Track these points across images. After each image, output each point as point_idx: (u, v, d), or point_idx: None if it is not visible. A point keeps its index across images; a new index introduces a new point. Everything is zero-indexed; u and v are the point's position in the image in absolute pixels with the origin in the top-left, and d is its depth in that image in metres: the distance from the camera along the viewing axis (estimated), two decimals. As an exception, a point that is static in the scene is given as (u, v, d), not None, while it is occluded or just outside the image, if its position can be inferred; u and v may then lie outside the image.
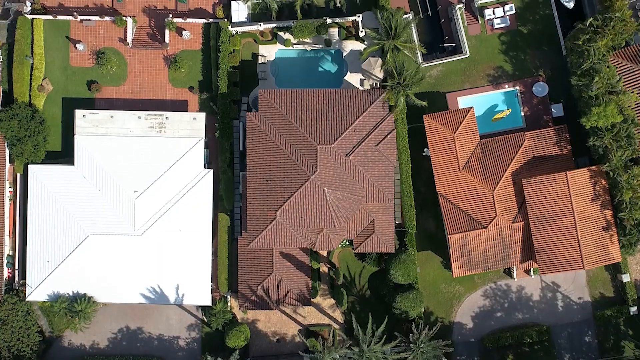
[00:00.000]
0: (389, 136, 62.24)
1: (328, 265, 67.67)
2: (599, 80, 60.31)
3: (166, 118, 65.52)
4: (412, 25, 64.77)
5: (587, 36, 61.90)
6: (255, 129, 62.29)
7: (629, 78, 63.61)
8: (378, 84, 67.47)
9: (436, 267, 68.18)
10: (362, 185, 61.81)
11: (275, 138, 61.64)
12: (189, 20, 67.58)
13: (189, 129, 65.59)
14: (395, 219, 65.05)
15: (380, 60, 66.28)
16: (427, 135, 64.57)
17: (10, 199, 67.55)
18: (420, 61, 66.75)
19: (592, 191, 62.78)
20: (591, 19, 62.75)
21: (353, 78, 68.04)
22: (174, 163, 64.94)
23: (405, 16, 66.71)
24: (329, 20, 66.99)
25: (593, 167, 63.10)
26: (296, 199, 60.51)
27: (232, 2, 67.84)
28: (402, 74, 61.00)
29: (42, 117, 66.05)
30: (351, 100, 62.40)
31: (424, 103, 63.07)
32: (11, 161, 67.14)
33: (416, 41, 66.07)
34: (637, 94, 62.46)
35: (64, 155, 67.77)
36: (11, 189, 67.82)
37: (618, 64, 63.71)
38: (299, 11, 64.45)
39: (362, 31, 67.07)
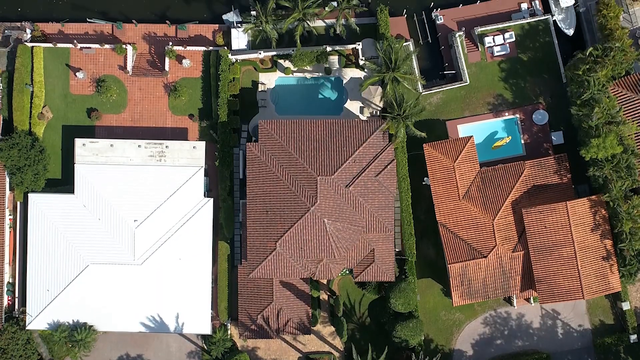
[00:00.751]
0: (389, 167, 62.20)
1: (328, 293, 67.66)
2: (599, 110, 60.30)
3: (166, 147, 65.55)
4: (413, 56, 64.73)
5: (587, 66, 61.95)
6: (255, 160, 62.29)
7: (629, 107, 63.65)
8: (378, 112, 67.51)
9: (436, 294, 68.17)
10: (362, 215, 61.79)
11: (275, 169, 61.62)
12: (189, 48, 67.61)
13: (189, 157, 65.62)
14: (395, 247, 65.05)
15: (380, 89, 66.26)
16: (427, 164, 64.57)
17: (10, 227, 67.53)
18: (421, 90, 66.75)
19: (592, 221, 62.75)
20: (591, 48, 62.80)
21: (353, 105, 68.06)
22: (174, 192, 64.95)
23: (405, 44, 66.85)
24: (328, 48, 67.03)
25: (593, 196, 63.08)
26: (296, 230, 60.48)
27: (232, 29, 67.94)
28: (402, 106, 61.02)
29: (42, 146, 66.07)
30: (351, 130, 62.38)
31: (424, 134, 63.12)
32: (11, 189, 67.15)
33: (417, 71, 66.14)
34: (637, 124, 62.36)
35: (64, 182, 67.77)
36: (11, 217, 67.81)
37: (618, 93, 63.72)
38: (298, 40, 64.42)
39: (362, 59, 67.09)
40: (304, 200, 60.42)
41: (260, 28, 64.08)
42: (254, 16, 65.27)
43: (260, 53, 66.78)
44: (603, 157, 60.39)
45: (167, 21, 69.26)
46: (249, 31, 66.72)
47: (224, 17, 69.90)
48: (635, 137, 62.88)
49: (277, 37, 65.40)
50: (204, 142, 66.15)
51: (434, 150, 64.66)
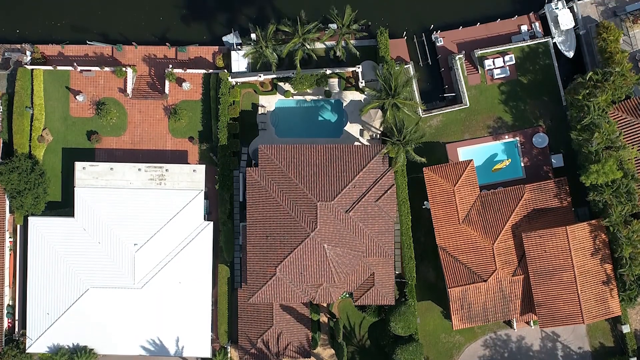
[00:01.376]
0: (389, 191, 62.25)
1: (328, 316, 67.66)
2: (598, 136, 60.29)
3: (166, 170, 65.57)
4: (413, 80, 64.77)
5: (587, 90, 61.94)
6: (255, 185, 62.31)
7: (629, 131, 63.65)
8: (378, 135, 67.50)
9: (436, 316, 68.19)
10: (362, 240, 61.82)
11: (275, 194, 61.65)
12: (188, 70, 67.60)
13: (189, 181, 65.66)
14: (395, 269, 65.08)
15: (380, 112, 66.25)
16: (427, 188, 64.56)
17: (10, 249, 67.56)
18: (421, 113, 66.76)
19: (592, 245, 62.76)
20: (591, 73, 62.79)
21: (353, 128, 68.06)
22: (174, 215, 64.98)
23: (405, 67, 66.88)
24: (328, 71, 67.02)
25: (593, 221, 63.08)
26: (296, 255, 60.51)
27: (232, 52, 67.90)
28: (402, 131, 61.02)
29: (42, 170, 66.10)
30: (351, 155, 62.43)
31: (424, 159, 63.13)
32: (11, 212, 67.15)
33: (417, 95, 66.20)
34: (638, 149, 62.35)
35: (64, 205, 67.81)
36: (11, 239, 67.84)
37: (618, 117, 63.72)
38: (298, 64, 64.41)
39: (362, 82, 67.08)
40: (304, 226, 60.44)
41: (261, 52, 63.90)
42: (253, 40, 65.27)
43: (260, 76, 66.77)
44: (603, 182, 60.33)
45: (167, 43, 69.27)
46: (249, 55, 66.65)
47: (224, 39, 69.89)
48: (635, 161, 62.82)
49: (277, 61, 65.34)
50: (204, 166, 66.17)
51: (434, 174, 64.65)
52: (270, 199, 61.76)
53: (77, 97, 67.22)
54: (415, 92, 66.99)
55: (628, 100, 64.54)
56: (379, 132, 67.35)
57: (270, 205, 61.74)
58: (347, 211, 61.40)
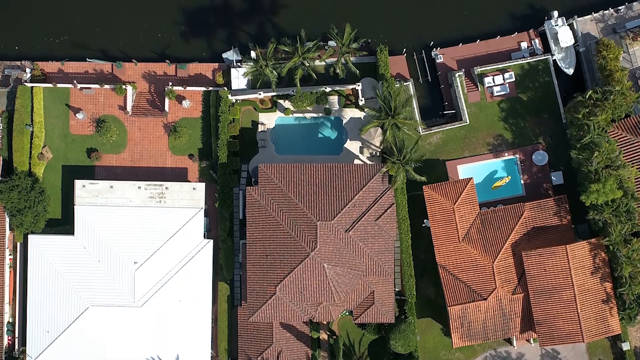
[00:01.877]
0: (388, 210, 62.24)
1: (328, 333, 67.69)
2: (598, 155, 60.29)
3: (166, 188, 65.59)
4: (413, 100, 64.79)
5: (587, 109, 61.99)
6: (255, 204, 62.33)
7: (629, 150, 63.65)
8: (378, 152, 67.51)
9: (436, 334, 68.18)
10: (362, 260, 61.83)
11: (275, 213, 61.66)
12: (188, 88, 67.61)
13: (189, 199, 65.65)
14: (395, 287, 65.09)
15: (380, 130, 66.27)
16: (427, 207, 64.57)
17: (10, 267, 67.57)
18: (420, 131, 66.78)
19: (592, 264, 62.79)
20: (590, 91, 62.86)
21: (353, 145, 68.07)
22: (174, 233, 64.97)
23: (405, 84, 66.92)
24: (328, 89, 67.03)
25: (592, 240, 63.10)
26: (296, 275, 60.54)
27: (232, 69, 67.88)
28: (402, 151, 61.01)
29: (42, 188, 66.07)
30: (351, 174, 62.44)
31: (423, 178, 63.12)
32: (11, 229, 67.15)
33: (417, 112, 66.22)
34: (637, 168, 62.35)
35: (64, 222, 67.79)
36: (11, 257, 67.86)
37: (618, 136, 63.72)
38: (298, 83, 64.42)
39: (361, 100, 67.10)
40: (304, 245, 60.46)
41: (261, 71, 63.93)
42: (253, 58, 65.28)
43: (260, 93, 66.78)
44: (603, 202, 60.34)
45: (167, 60, 69.28)
46: (249, 74, 66.68)
47: (224, 55, 69.91)
48: (635, 180, 62.83)
49: (277, 79, 65.35)
50: (204, 184, 66.18)
51: (434, 192, 64.66)
52: (270, 218, 61.77)
53: (77, 114, 67.20)
54: (416, 110, 67.02)
55: (628, 118, 64.56)
56: (379, 150, 67.34)
57: (270, 225, 61.76)
58: (347, 230, 61.42)
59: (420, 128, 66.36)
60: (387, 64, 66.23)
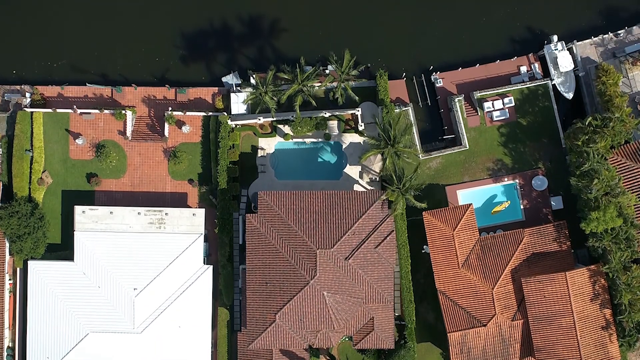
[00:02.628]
0: (388, 238, 62.28)
1: (328, 358, 67.73)
2: (598, 182, 60.29)
3: (166, 214, 65.60)
4: (413, 128, 64.81)
5: (587, 136, 61.95)
6: (255, 231, 62.37)
7: (629, 176, 63.70)
8: (378, 177, 67.53)
9: (436, 358, 68.26)
10: (362, 287, 61.88)
11: (274, 241, 61.70)
12: (188, 113, 67.63)
13: (189, 224, 65.67)
14: (395, 311, 65.13)
15: (380, 156, 66.29)
16: (427, 233, 64.58)
17: (10, 291, 67.61)
18: (420, 156, 66.82)
19: (592, 291, 62.80)
20: (590, 118, 62.85)
21: (352, 170, 68.09)
22: (173, 259, 64.99)
23: (404, 109, 66.97)
24: (328, 114, 67.03)
25: (592, 266, 63.13)
26: (296, 303, 60.59)
27: (232, 94, 67.90)
28: (401, 179, 61.02)
29: (41, 213, 66.11)
30: (350, 202, 62.48)
31: (424, 205, 63.13)
32: (11, 253, 67.18)
33: (417, 140, 66.20)
34: (637, 196, 62.35)
35: (64, 247, 67.83)
36: (11, 281, 67.89)
37: (617, 162, 63.77)
38: (298, 110, 64.45)
39: (361, 125, 67.13)
40: (304, 273, 60.52)
41: (260, 98, 63.99)
42: (253, 85, 65.32)
43: (259, 119, 66.80)
44: (603, 230, 60.37)
45: (166, 85, 69.32)
46: (249, 100, 66.76)
47: (224, 79, 69.97)
48: (635, 207, 62.85)
49: (277, 106, 65.41)
50: (204, 210, 66.18)
51: (434, 219, 64.67)
52: (270, 246, 61.83)
53: (76, 140, 67.23)
54: (415, 134, 66.96)
55: (628, 144, 64.57)
56: (379, 175, 67.36)
57: (270, 252, 61.81)
58: (347, 258, 61.46)
59: (420, 154, 66.32)
60: (386, 89, 66.25)
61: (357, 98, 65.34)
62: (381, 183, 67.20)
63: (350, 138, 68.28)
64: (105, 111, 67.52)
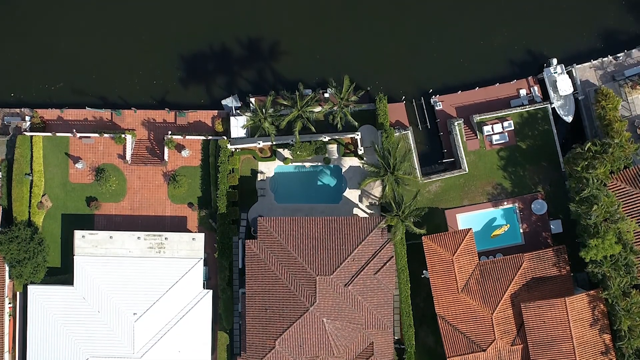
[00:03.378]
0: (388, 264, 62.32)
1: (327, 382, 67.66)
2: (597, 209, 60.29)
3: (165, 238, 65.63)
4: (413, 153, 64.83)
5: (586, 162, 61.96)
6: (254, 257, 62.42)
7: (628, 201, 63.66)
8: (377, 202, 67.54)
9: (435, 382, 68.26)
10: (361, 313, 61.89)
11: (274, 267, 61.76)
12: (188, 137, 67.66)
13: (188, 249, 65.70)
14: (394, 335, 65.16)
15: (379, 180, 66.28)
16: (427, 257, 64.60)
17: (10, 315, 67.64)
18: (420, 179, 66.85)
19: (591, 316, 62.80)
20: (589, 143, 62.83)
21: (352, 194, 68.13)
22: (173, 284, 65.01)
23: (404, 132, 67.03)
24: (327, 138, 67.04)
25: (591, 292, 63.12)
26: (295, 329, 60.61)
27: (231, 118, 67.93)
28: (401, 206, 61.06)
29: (41, 238, 66.15)
30: (350, 228, 62.52)
31: (423, 231, 63.16)
32: (11, 277, 67.21)
33: (417, 164, 66.21)
34: (637, 222, 62.34)
35: (64, 271, 67.90)
36: (11, 305, 67.92)
37: (617, 187, 63.77)
38: (297, 135, 64.47)
39: (360, 149, 67.15)
40: (303, 300, 60.56)
41: (259, 124, 64.06)
42: (252, 110, 65.38)
43: (259, 143, 66.84)
44: (602, 257, 60.40)
45: (166, 108, 69.36)
46: (248, 125, 66.85)
47: (223, 102, 70.01)
48: (634, 232, 62.85)
49: (276, 131, 65.48)
50: (203, 234, 66.19)
51: (433, 243, 64.69)
52: (269, 272, 61.88)
53: (76, 164, 67.26)
54: (415, 160, 66.87)
55: (627, 169, 64.55)
56: (379, 199, 67.37)
57: (270, 279, 61.86)
58: (347, 285, 61.49)
59: (419, 174, 66.37)
60: (386, 113, 66.32)
61: (356, 124, 65.39)
62: (381, 207, 67.22)
63: (350, 162, 68.31)
64: (105, 135, 67.55)
